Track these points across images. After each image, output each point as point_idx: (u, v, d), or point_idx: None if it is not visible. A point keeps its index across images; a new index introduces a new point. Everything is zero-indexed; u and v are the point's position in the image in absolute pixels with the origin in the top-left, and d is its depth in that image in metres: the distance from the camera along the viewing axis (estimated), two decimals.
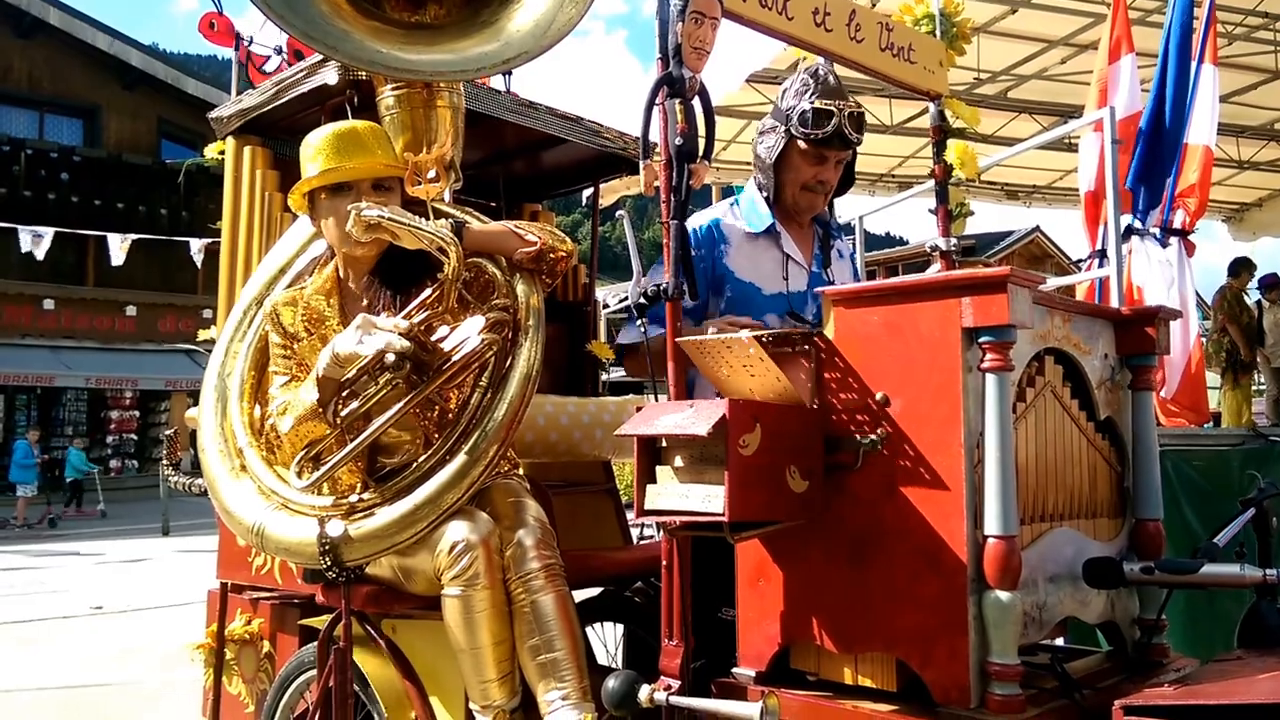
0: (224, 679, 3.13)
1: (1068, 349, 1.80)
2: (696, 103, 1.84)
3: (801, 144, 2.37)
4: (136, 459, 20.32)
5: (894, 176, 10.90)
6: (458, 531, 2.08)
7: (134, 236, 14.80)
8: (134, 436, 20.34)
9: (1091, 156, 5.10)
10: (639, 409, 1.70)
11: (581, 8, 2.36)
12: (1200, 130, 5.07)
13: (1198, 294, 6.15)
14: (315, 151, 2.32)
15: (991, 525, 1.53)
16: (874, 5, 6.49)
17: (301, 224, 2.64)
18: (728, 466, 1.51)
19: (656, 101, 1.82)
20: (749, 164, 2.61)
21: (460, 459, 2.11)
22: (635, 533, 3.31)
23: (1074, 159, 6.56)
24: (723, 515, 1.52)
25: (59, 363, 18.34)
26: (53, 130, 19.79)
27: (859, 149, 2.47)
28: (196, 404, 2.61)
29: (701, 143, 1.85)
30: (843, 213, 5.43)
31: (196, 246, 13.63)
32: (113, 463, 19.39)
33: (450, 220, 2.28)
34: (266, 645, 3.00)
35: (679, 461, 1.61)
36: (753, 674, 1.78)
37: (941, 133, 2.56)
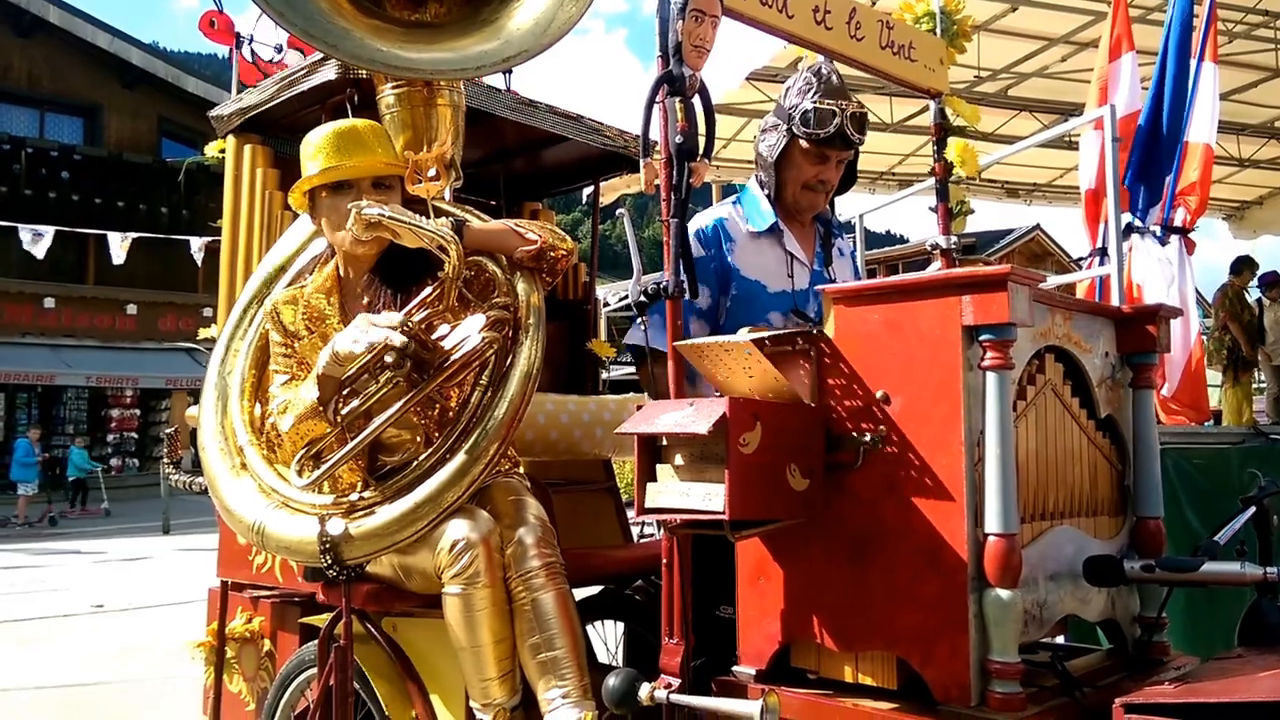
0: (225, 677, 3.13)
1: (1068, 347, 1.79)
2: (697, 101, 1.84)
3: (803, 143, 2.37)
4: (137, 457, 20.33)
5: (894, 174, 10.91)
6: (458, 530, 2.08)
7: (134, 235, 14.82)
8: (134, 435, 20.34)
9: (1092, 154, 5.10)
10: (639, 407, 1.70)
11: (581, 6, 2.35)
12: (1201, 128, 5.07)
13: (1198, 292, 6.15)
14: (316, 150, 2.32)
15: (992, 523, 1.53)
16: (874, 3, 6.47)
17: (302, 222, 2.64)
18: (728, 465, 1.51)
19: (657, 99, 1.82)
20: (749, 162, 2.61)
21: (461, 457, 2.10)
22: (635, 531, 3.31)
23: (1074, 157, 6.56)
24: (723, 513, 1.52)
25: (59, 361, 18.35)
26: (53, 129, 19.79)
27: (860, 147, 2.47)
28: (197, 402, 2.61)
29: (702, 141, 1.85)
30: (843, 211, 5.43)
31: (197, 245, 13.65)
32: (113, 461, 19.40)
33: (450, 219, 2.28)
34: (267, 643, 3.01)
35: (679, 460, 1.61)
36: (753, 672, 1.78)
37: (942, 130, 2.56)
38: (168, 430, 4.41)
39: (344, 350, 2.13)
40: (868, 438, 1.65)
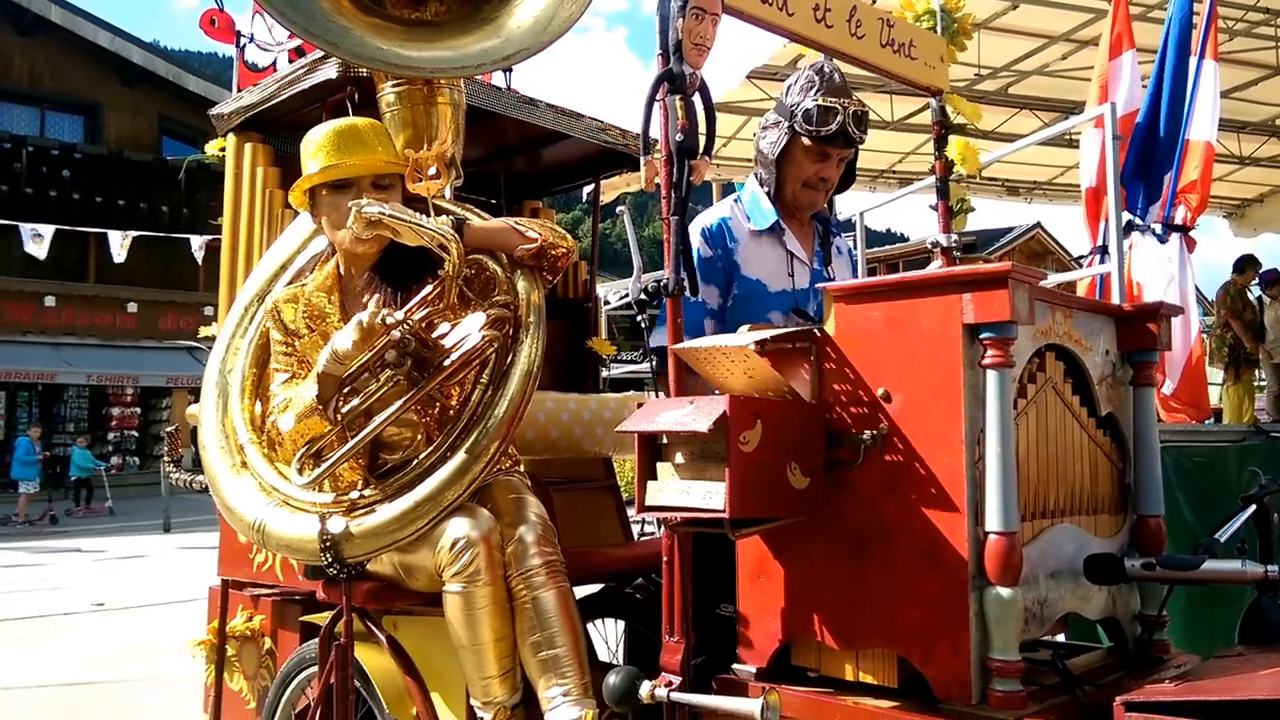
0: (225, 676, 3.14)
1: (1069, 345, 1.79)
2: (697, 99, 1.84)
3: (805, 141, 2.37)
4: (138, 456, 20.34)
5: (895, 172, 10.91)
6: (459, 528, 2.08)
7: (135, 233, 14.83)
8: (135, 433, 20.35)
9: (1092, 152, 5.10)
10: (640, 405, 1.70)
11: (581, 4, 2.35)
12: (1201, 126, 5.07)
13: (1198, 290, 6.15)
14: (316, 148, 2.32)
15: (992, 521, 1.53)
16: (874, 1, 6.48)
17: (302, 221, 2.64)
18: (728, 463, 1.51)
19: (657, 98, 1.82)
20: (750, 160, 2.61)
21: (461, 456, 2.10)
22: (636, 529, 3.31)
23: (1075, 155, 6.56)
24: (723, 511, 1.52)
25: (60, 360, 18.36)
26: (54, 127, 19.80)
27: (860, 145, 2.47)
28: (197, 401, 2.61)
29: (702, 139, 1.85)
30: (843, 209, 5.43)
31: (197, 243, 13.66)
32: (114, 459, 19.41)
33: (451, 217, 2.28)
34: (268, 642, 3.01)
35: (680, 458, 1.61)
36: (754, 670, 1.78)
37: (942, 128, 2.56)
38: (168, 429, 4.41)
39: (343, 349, 2.13)
40: (868, 436, 1.64)
